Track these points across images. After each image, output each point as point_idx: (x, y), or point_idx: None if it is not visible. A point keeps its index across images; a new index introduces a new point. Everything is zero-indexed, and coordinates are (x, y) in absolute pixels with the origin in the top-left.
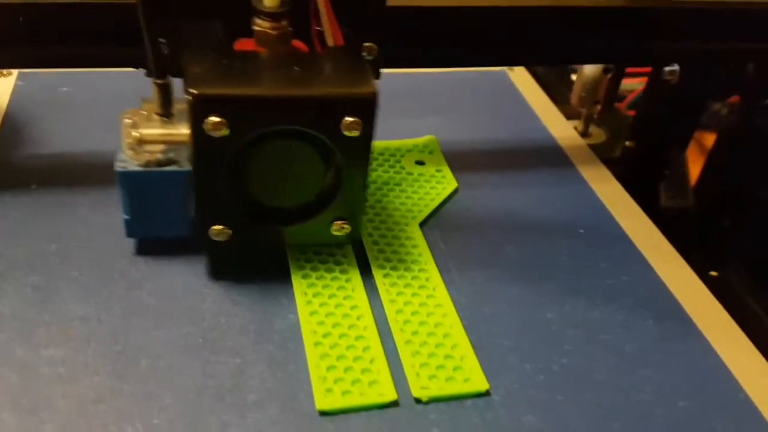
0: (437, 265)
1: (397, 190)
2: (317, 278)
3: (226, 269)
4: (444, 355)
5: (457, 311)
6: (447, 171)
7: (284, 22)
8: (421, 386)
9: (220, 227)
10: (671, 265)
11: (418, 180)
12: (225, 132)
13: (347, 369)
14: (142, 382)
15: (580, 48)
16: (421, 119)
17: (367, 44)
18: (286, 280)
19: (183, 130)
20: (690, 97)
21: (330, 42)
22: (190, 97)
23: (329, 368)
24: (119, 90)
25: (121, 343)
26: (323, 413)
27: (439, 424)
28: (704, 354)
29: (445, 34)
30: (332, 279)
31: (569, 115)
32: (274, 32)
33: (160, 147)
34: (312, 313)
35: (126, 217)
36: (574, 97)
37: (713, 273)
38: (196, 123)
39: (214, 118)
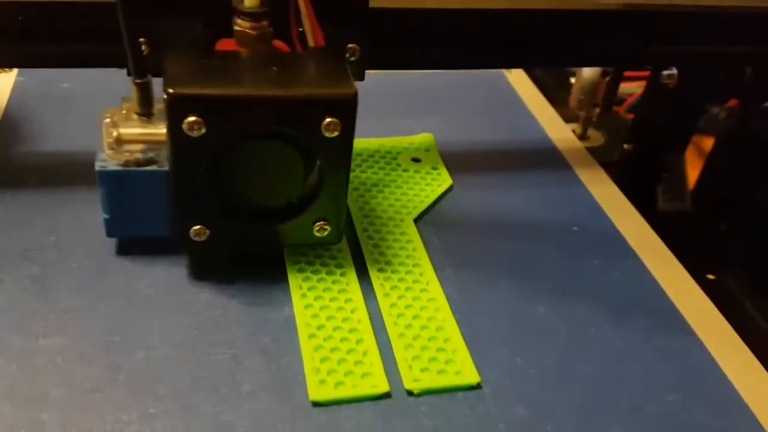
0: (431, 261)
1: (393, 187)
2: (312, 272)
3: (208, 269)
4: (436, 348)
5: (450, 305)
6: (443, 168)
7: (264, 23)
8: (413, 378)
9: (199, 227)
10: (664, 264)
11: (414, 177)
12: (202, 132)
13: (340, 361)
14: (137, 372)
15: (577, 51)
16: (418, 118)
17: (350, 45)
18: (281, 273)
19: (162, 130)
20: (688, 101)
21: (311, 42)
22: (167, 97)
23: (323, 360)
24: (120, 86)
25: (117, 333)
26: (316, 404)
27: (431, 416)
28: (694, 350)
29: (437, 36)
30: (327, 273)
31: (568, 118)
32: (254, 32)
33: (139, 146)
34: (307, 306)
35: (105, 216)
36: (573, 100)
37: (710, 276)
38: (174, 122)
39: (192, 118)
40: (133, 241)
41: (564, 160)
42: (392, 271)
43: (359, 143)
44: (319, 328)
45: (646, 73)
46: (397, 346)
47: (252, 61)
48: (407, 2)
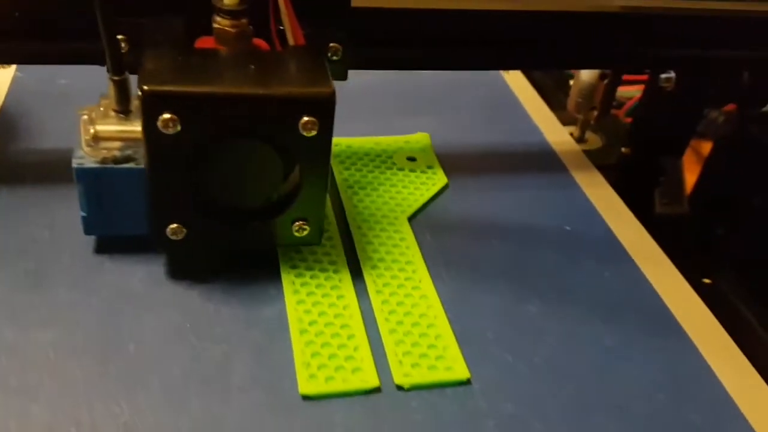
0: (424, 259)
1: (388, 185)
2: (305, 268)
3: (185, 269)
4: (427, 344)
5: (442, 303)
6: (438, 168)
7: (244, 20)
8: (404, 374)
9: (176, 226)
10: (657, 265)
11: (409, 176)
12: (178, 129)
13: (331, 356)
14: (129, 365)
15: (576, 53)
16: (414, 118)
17: (332, 45)
18: (274, 269)
19: (139, 127)
20: (686, 105)
21: (291, 41)
22: (142, 94)
23: (314, 355)
24: None
25: (109, 327)
26: (306, 398)
27: (420, 411)
28: (685, 351)
29: (426, 37)
30: (320, 269)
31: (566, 121)
32: (233, 30)
33: (117, 144)
34: (299, 302)
35: (83, 214)
36: (571, 103)
37: (706, 280)
38: (148, 120)
39: (166, 115)
40: (124, 237)
41: (560, 161)
42: (385, 269)
43: (355, 142)
44: (311, 323)
45: (645, 77)
46: (388, 341)
47: (230, 59)
48: (391, 2)
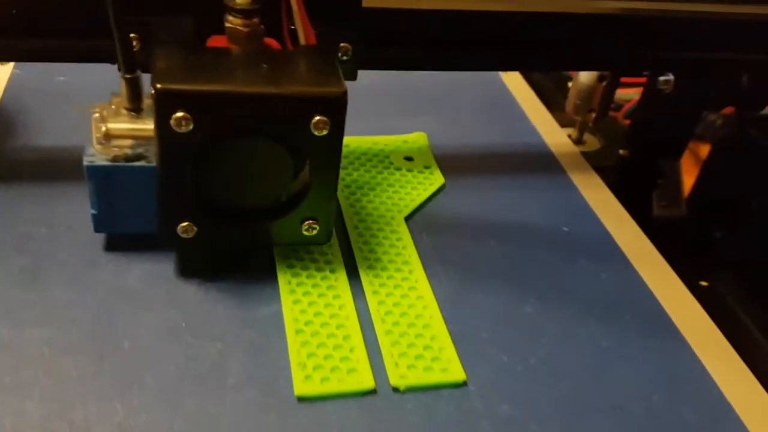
0: (421, 259)
1: (385, 185)
2: (302, 268)
3: (198, 264)
4: (423, 345)
5: (438, 303)
6: (435, 168)
7: (256, 20)
8: (400, 375)
9: (186, 224)
10: (654, 267)
11: (406, 176)
12: (190, 128)
13: (327, 357)
14: (124, 363)
15: (574, 55)
16: (412, 118)
17: (342, 45)
18: (271, 269)
19: (151, 125)
20: (684, 107)
21: (302, 41)
22: (155, 92)
23: (309, 355)
24: (116, 81)
25: (104, 325)
26: (301, 399)
27: (416, 413)
28: (681, 352)
29: (433, 38)
30: (317, 269)
31: (565, 123)
32: (245, 29)
33: (128, 142)
34: (295, 302)
35: (93, 211)
36: (569, 105)
37: (703, 283)
38: (161, 118)
39: (179, 114)
40: (123, 235)
41: (557, 163)
42: (381, 269)
43: (352, 141)
44: (307, 323)
45: (644, 79)
46: (383, 342)
47: (242, 58)
48: (402, 2)
